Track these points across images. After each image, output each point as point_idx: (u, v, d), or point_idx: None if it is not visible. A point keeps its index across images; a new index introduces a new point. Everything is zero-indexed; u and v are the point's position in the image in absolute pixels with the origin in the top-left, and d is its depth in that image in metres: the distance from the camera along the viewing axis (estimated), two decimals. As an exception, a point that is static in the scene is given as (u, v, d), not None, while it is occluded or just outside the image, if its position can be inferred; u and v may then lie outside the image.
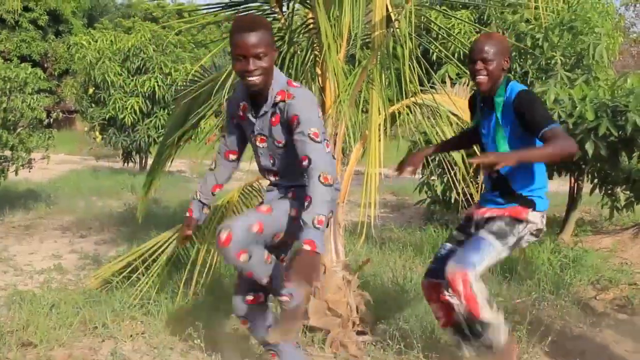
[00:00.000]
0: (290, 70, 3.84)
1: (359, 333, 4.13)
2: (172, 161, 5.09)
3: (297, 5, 4.04)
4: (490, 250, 3.10)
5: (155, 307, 4.43)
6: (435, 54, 7.62)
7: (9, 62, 11.48)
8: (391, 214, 9.92)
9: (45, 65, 32.07)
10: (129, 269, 4.79)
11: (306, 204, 2.59)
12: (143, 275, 4.62)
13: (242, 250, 2.70)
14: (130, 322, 4.32)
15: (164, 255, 4.66)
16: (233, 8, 4.06)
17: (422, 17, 4.20)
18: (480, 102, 3.30)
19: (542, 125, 2.94)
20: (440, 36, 7.58)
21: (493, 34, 3.39)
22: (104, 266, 5.24)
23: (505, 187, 3.22)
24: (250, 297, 3.12)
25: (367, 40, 4.27)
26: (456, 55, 8.29)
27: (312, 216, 2.55)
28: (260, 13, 4.00)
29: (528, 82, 8.28)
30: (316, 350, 3.96)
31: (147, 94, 14.01)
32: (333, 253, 4.12)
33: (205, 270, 4.63)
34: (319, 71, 3.95)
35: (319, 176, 2.62)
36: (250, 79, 2.71)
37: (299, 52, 3.94)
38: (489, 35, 3.24)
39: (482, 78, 3.13)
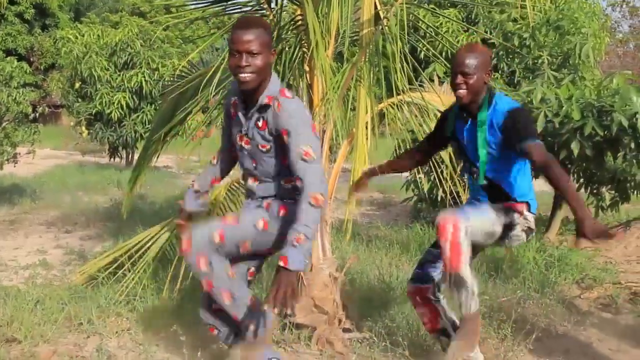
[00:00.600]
0: (278, 67, 3.84)
1: (345, 330, 4.13)
2: (158, 157, 5.07)
3: (285, 2, 4.03)
4: (486, 214, 3.15)
5: (141, 303, 4.41)
6: (422, 52, 7.67)
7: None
8: (378, 212, 9.94)
9: (31, 59, 31.80)
10: (115, 265, 4.77)
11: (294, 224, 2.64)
12: (129, 272, 4.60)
13: (200, 256, 2.72)
14: (115, 319, 4.30)
15: (151, 252, 4.64)
16: (221, 4, 4.04)
17: (411, 15, 4.20)
18: (459, 111, 3.29)
19: (526, 137, 2.96)
20: (428, 34, 7.60)
21: (475, 46, 3.38)
22: (90, 262, 5.22)
23: (498, 193, 3.24)
24: (216, 305, 3.08)
25: (355, 37, 4.27)
26: (444, 53, 8.31)
27: (294, 235, 2.60)
28: (248, 9, 4.00)
29: (515, 81, 8.34)
30: (302, 347, 3.96)
31: (134, 89, 13.94)
32: (320, 250, 4.12)
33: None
34: (307, 68, 3.94)
35: (310, 199, 2.65)
36: (242, 75, 2.70)
37: (287, 49, 3.93)
38: (470, 48, 3.21)
39: (461, 92, 3.12)
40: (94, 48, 13.70)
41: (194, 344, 3.93)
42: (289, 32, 4.07)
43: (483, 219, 3.13)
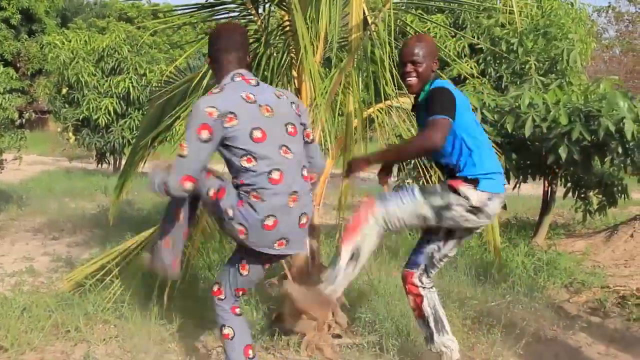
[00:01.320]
0: (266, 73, 3.83)
1: (334, 336, 4.11)
2: (145, 163, 5.04)
3: (273, 7, 4.02)
4: (407, 198, 3.22)
5: (129, 310, 4.37)
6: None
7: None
8: (367, 217, 9.90)
9: (18, 64, 31.64)
10: (103, 271, 4.72)
11: None
12: (117, 278, 4.56)
13: None
14: (103, 326, 4.27)
15: (138, 258, 4.60)
16: (208, 9, 4.03)
17: (398, 21, 4.21)
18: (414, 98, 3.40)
19: (429, 115, 3.05)
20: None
21: (422, 36, 3.50)
22: (77, 269, 5.17)
23: (450, 170, 3.29)
24: None
25: (343, 43, 4.27)
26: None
27: None
28: (236, 14, 3.98)
29: (503, 86, 8.36)
30: (291, 353, 3.94)
31: (121, 95, 13.89)
32: (309, 256, 4.10)
33: (181, 273, 4.59)
34: (295, 73, 3.93)
35: None
36: None
37: (274, 54, 3.92)
38: (418, 38, 3.33)
39: (412, 80, 3.26)
40: (80, 54, 13.64)
41: (182, 350, 3.91)
42: (277, 37, 4.06)
43: (405, 202, 3.22)
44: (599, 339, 4.45)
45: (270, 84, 3.81)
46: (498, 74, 8.43)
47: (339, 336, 4.13)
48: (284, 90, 3.01)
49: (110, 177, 13.31)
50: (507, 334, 4.15)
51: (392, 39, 3.53)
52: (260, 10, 3.96)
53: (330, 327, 4.12)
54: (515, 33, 7.93)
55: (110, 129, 14.15)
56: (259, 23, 3.96)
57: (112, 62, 13.90)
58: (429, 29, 8.69)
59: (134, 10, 36.52)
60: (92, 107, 13.75)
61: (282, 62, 4.00)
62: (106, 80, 13.89)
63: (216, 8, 4.08)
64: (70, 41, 14.13)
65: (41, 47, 23.47)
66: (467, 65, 8.62)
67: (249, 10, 3.92)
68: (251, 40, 4.00)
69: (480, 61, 8.65)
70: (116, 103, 13.83)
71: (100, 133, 14.27)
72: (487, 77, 8.63)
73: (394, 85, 3.50)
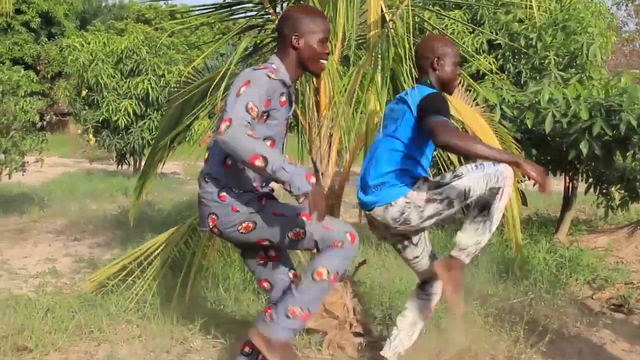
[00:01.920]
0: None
1: (356, 335, 4.10)
2: (164, 163, 5.07)
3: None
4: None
5: (151, 310, 4.40)
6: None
7: (1, 64, 11.43)
8: (386, 215, 9.89)
9: (38, 67, 31.98)
10: (125, 272, 4.76)
11: None
12: (139, 279, 4.59)
13: None
14: (126, 326, 4.30)
15: (160, 259, 4.63)
16: (226, 9, 4.04)
17: (416, 17, 4.19)
18: None
19: None
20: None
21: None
22: (99, 270, 5.21)
23: None
24: None
25: (361, 41, 4.26)
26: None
27: None
28: (254, 14, 3.99)
29: (522, 81, 8.30)
30: (313, 352, 3.95)
31: (140, 96, 13.97)
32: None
33: (202, 273, 4.62)
34: (313, 72, 3.92)
35: None
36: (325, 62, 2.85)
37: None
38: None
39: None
40: (99, 56, 13.74)
41: (204, 349, 3.93)
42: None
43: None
44: (623, 335, 4.40)
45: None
46: (517, 70, 8.37)
47: (360, 334, 4.13)
48: None
49: (131, 178, 13.40)
50: (530, 331, 4.12)
51: (410, 36, 3.50)
52: (278, 10, 3.96)
53: (352, 326, 4.11)
54: (534, 28, 7.86)
55: (129, 130, 14.25)
56: (276, 22, 3.95)
57: (131, 63, 13.97)
58: (446, 25, 8.65)
59: (151, 12, 36.76)
60: (112, 109, 13.85)
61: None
62: (125, 82, 13.97)
63: (234, 8, 4.09)
64: (89, 43, 14.24)
65: (61, 50, 23.69)
66: (486, 61, 8.57)
67: (267, 10, 3.92)
68: (269, 40, 4.01)
69: (499, 57, 8.60)
70: (135, 104, 13.91)
71: (120, 134, 14.36)
72: (506, 72, 8.57)
73: (413, 83, 3.47)
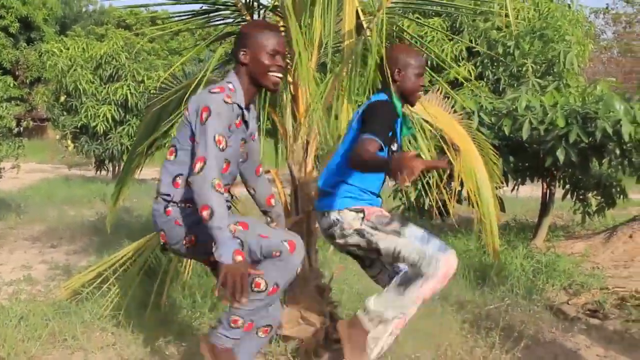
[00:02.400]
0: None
1: (333, 341, 4.09)
2: (141, 169, 5.03)
3: (268, 13, 4.02)
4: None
5: (126, 318, 4.36)
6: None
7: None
8: (366, 221, 9.89)
9: (17, 73, 31.67)
10: (100, 279, 4.72)
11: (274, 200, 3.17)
12: (114, 286, 4.55)
13: None
14: (100, 334, 4.26)
15: (136, 265, 4.60)
16: (204, 16, 4.02)
17: (394, 26, 4.20)
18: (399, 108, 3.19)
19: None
20: (412, 44, 7.59)
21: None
22: (74, 277, 5.16)
23: None
24: None
25: (339, 47, 4.26)
26: (429, 62, 8.32)
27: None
28: (231, 21, 3.98)
29: (500, 88, 8.37)
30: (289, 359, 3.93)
31: (119, 102, 13.88)
32: (306, 261, 4.09)
33: (178, 280, 4.59)
34: (290, 79, 3.92)
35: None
36: (279, 75, 2.77)
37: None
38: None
39: None
40: (78, 61, 13.63)
41: (179, 357, 3.90)
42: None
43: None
44: (598, 341, 4.44)
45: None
46: (496, 77, 8.44)
47: (337, 341, 4.11)
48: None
49: (109, 184, 13.30)
50: (506, 337, 4.14)
51: (386, 44, 3.51)
52: (256, 17, 3.96)
53: (329, 332, 4.10)
54: (511, 36, 7.93)
55: (108, 136, 14.14)
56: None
57: (110, 69, 13.89)
58: (426, 33, 8.71)
59: (132, 18, 36.57)
60: (91, 115, 13.74)
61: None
62: (104, 88, 13.88)
63: (211, 15, 4.07)
64: (68, 49, 14.13)
65: (40, 55, 23.46)
66: (465, 68, 8.64)
67: (244, 17, 3.91)
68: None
69: (478, 64, 8.66)
70: (114, 110, 13.82)
71: (99, 140, 14.26)
72: (485, 80, 8.64)
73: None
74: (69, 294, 4.81)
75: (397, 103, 3.11)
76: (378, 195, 3.12)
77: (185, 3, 3.95)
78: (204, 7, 3.93)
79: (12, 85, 8.71)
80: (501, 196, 6.74)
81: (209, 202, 2.44)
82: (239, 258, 2.43)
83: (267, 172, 3.56)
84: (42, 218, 9.52)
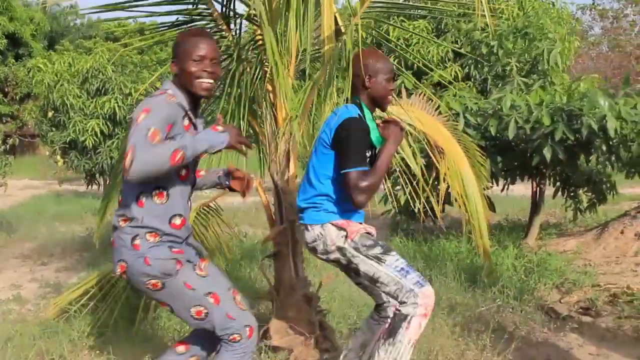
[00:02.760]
0: (239, 89, 3.78)
1: (322, 351, 4.06)
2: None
3: (245, 22, 4.00)
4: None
5: (113, 335, 4.31)
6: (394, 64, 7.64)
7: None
8: (358, 226, 9.86)
9: (6, 89, 31.56)
10: (87, 296, 4.67)
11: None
12: (101, 303, 4.51)
13: None
14: (88, 352, 4.21)
15: (122, 281, 4.55)
16: (180, 27, 3.99)
17: (372, 31, 4.18)
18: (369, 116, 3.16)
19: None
20: (399, 47, 7.61)
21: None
22: (62, 295, 5.11)
23: None
24: None
25: (317, 54, 4.24)
26: (415, 65, 8.31)
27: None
28: (207, 30, 3.95)
29: (487, 88, 8.36)
30: (279, 370, 3.89)
31: (107, 115, 13.77)
32: (292, 271, 4.06)
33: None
34: (269, 87, 3.90)
35: None
36: (209, 81, 2.69)
37: (248, 69, 3.88)
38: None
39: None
40: (65, 76, 13.54)
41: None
42: (249, 51, 4.03)
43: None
44: (590, 339, 4.42)
45: (244, 98, 3.77)
46: (482, 77, 8.43)
47: (327, 350, 4.08)
48: None
49: (100, 198, 13.22)
50: (497, 339, 4.11)
51: (354, 52, 3.47)
52: (232, 26, 3.94)
53: (318, 342, 4.07)
54: (494, 36, 7.92)
55: (98, 150, 14.05)
56: (230, 38, 3.93)
57: (97, 83, 13.78)
58: (411, 35, 8.70)
59: (120, 30, 36.46)
60: (79, 129, 13.63)
61: (256, 76, 3.96)
62: (92, 102, 13.78)
63: (188, 25, 4.04)
64: (54, 64, 14.06)
65: (28, 71, 23.36)
66: (452, 69, 8.63)
67: (220, 27, 3.89)
68: (224, 57, 3.97)
69: (465, 65, 8.65)
70: (102, 124, 13.71)
71: (89, 155, 14.14)
72: (472, 80, 8.63)
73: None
74: (56, 313, 4.75)
75: (367, 111, 3.09)
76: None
77: (160, 15, 3.91)
78: (179, 18, 3.91)
79: (1, 102, 8.65)
80: (491, 196, 6.72)
81: (169, 150, 2.36)
82: (220, 127, 2.57)
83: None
84: (33, 235, 9.46)
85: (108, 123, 13.78)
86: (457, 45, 8.33)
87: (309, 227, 3.02)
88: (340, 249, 2.95)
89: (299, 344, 3.99)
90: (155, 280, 2.58)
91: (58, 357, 4.07)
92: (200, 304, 2.61)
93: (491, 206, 6.50)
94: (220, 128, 2.55)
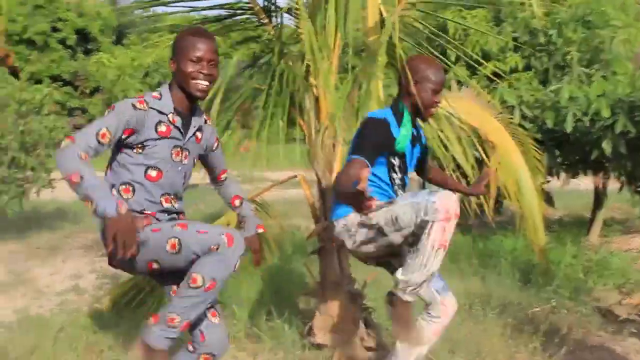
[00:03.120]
0: (282, 83, 3.74)
1: (367, 349, 4.01)
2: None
3: (287, 16, 3.95)
4: None
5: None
6: (452, 54, 7.44)
7: (37, 83, 11.58)
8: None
9: (77, 83, 32.56)
10: (137, 289, 4.73)
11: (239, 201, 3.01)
12: (149, 296, 4.56)
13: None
14: (137, 344, 4.26)
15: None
16: (222, 21, 3.98)
17: (418, 22, 4.06)
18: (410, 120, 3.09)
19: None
20: (457, 36, 7.44)
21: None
22: (116, 286, 5.21)
23: None
24: None
25: (362, 47, 4.16)
26: (471, 56, 8.07)
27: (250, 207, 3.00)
28: (250, 25, 3.93)
29: (549, 79, 8.06)
30: (322, 368, 3.86)
31: (169, 109, 14.11)
32: (337, 268, 4.02)
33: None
34: (313, 81, 3.85)
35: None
36: (203, 83, 2.65)
37: (290, 63, 3.84)
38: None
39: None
40: (127, 70, 13.89)
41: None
42: (291, 45, 3.99)
43: None
44: (650, 344, 4.21)
45: (287, 94, 3.74)
46: (544, 67, 8.13)
47: (372, 349, 4.03)
48: None
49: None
50: (549, 342, 3.96)
51: (408, 52, 3.39)
52: (274, 20, 3.90)
53: (363, 340, 4.02)
54: (554, 24, 7.60)
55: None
56: (272, 32, 3.89)
57: (158, 76, 14.11)
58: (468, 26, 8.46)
59: (186, 22, 36.97)
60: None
61: (299, 70, 3.91)
62: (153, 95, 14.16)
63: (233, 19, 4.03)
64: (116, 59, 14.42)
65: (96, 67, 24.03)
66: (512, 60, 8.36)
67: (262, 21, 3.86)
68: (268, 51, 3.95)
69: (525, 55, 8.36)
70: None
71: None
72: (534, 70, 8.34)
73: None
74: (110, 304, 4.85)
75: (408, 116, 3.01)
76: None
77: (203, 9, 3.91)
78: (221, 14, 3.90)
79: (71, 96, 8.92)
80: (551, 191, 6.51)
81: (76, 169, 2.32)
82: (124, 210, 2.33)
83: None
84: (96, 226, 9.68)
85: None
86: (515, 35, 8.04)
87: (335, 222, 3.00)
88: (361, 224, 2.91)
89: (344, 342, 3.95)
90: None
91: (107, 348, 4.15)
92: (170, 236, 2.50)
93: (550, 201, 6.29)
94: (121, 208, 2.34)
